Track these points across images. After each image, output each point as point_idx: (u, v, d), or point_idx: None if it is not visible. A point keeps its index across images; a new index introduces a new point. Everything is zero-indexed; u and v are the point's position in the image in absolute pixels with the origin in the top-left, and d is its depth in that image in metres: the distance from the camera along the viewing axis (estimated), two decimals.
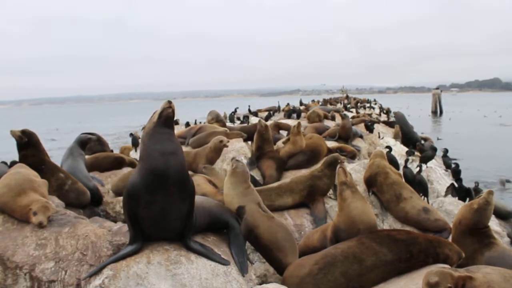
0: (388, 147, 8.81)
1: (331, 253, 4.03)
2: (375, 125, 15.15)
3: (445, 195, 7.47)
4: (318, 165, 7.11)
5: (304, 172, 7.10)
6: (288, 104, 28.66)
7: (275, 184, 6.52)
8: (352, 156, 9.34)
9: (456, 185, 7.41)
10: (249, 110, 26.06)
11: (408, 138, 12.54)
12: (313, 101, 33.23)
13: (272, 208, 6.09)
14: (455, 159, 10.16)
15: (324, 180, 6.40)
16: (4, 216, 4.28)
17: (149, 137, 3.63)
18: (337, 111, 19.44)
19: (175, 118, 4.16)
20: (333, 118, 16.47)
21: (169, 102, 3.62)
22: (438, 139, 24.64)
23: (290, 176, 7.73)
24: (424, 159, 9.23)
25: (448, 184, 8.01)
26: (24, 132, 5.61)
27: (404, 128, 13.01)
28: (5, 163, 6.24)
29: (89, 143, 7.41)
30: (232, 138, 9.48)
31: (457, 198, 7.09)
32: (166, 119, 3.59)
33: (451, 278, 3.13)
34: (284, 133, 12.02)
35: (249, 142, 10.08)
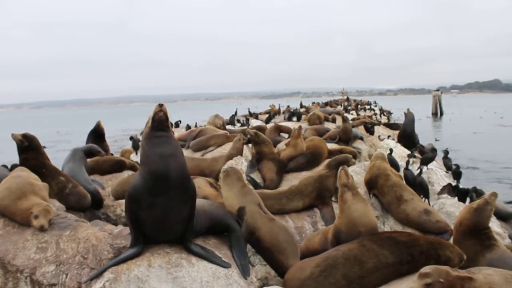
0: (390, 149, 8.81)
1: (332, 255, 4.03)
2: (376, 127, 15.15)
3: (440, 193, 7.45)
4: (320, 167, 7.13)
5: (309, 173, 7.12)
6: (288, 106, 28.68)
7: (285, 188, 6.55)
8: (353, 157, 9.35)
9: (453, 185, 7.40)
10: (249, 112, 26.10)
11: (408, 139, 12.54)
12: (313, 103, 33.28)
13: (283, 212, 6.12)
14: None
15: (331, 179, 6.43)
16: (5, 220, 4.28)
17: (147, 141, 3.66)
18: (338, 113, 19.46)
19: (175, 120, 4.19)
20: (333, 121, 16.49)
21: (160, 105, 3.65)
22: (436, 140, 24.62)
23: (291, 179, 7.74)
24: (425, 161, 9.22)
25: None
26: (25, 136, 5.62)
27: (408, 130, 13.02)
28: (5, 166, 6.25)
29: (96, 155, 7.47)
30: (233, 141, 9.51)
31: (456, 198, 7.08)
32: (159, 122, 3.62)
33: (446, 275, 3.13)
34: (284, 135, 12.03)
35: (250, 145, 10.09)
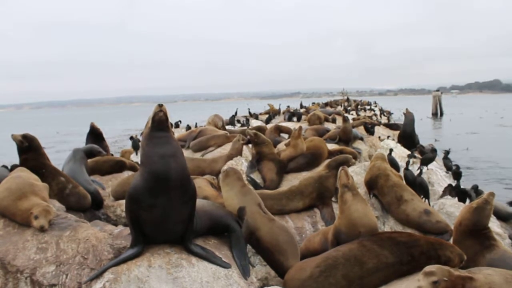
0: (390, 149, 8.80)
1: (333, 255, 4.03)
2: (376, 128, 15.14)
3: (442, 196, 7.45)
4: (320, 167, 7.13)
5: (309, 174, 7.13)
6: (288, 106, 28.68)
7: (285, 188, 6.55)
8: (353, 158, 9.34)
9: (454, 186, 7.39)
10: (249, 113, 26.09)
11: (408, 139, 12.57)
12: (313, 103, 33.27)
13: (283, 212, 6.12)
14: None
15: (331, 180, 6.44)
16: (5, 220, 4.28)
17: (147, 142, 3.66)
18: (338, 113, 19.44)
19: (175, 121, 4.20)
20: (333, 121, 16.48)
21: (160, 105, 3.66)
22: (435, 140, 24.61)
23: (291, 179, 7.74)
24: (425, 161, 9.21)
25: None
26: (25, 137, 5.62)
27: (408, 131, 13.05)
28: (5, 167, 6.25)
29: (97, 155, 7.48)
30: (232, 141, 9.53)
31: (456, 199, 7.07)
32: (159, 122, 3.63)
33: (449, 274, 3.15)
34: (285, 136, 12.03)
35: (250, 145, 10.11)
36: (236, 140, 8.66)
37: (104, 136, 9.58)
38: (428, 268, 3.21)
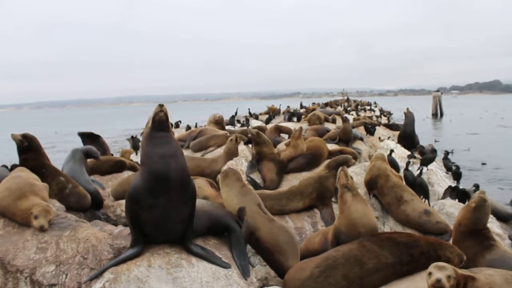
0: (390, 150, 8.81)
1: (332, 255, 4.03)
2: (376, 128, 15.13)
3: (443, 198, 7.45)
4: (320, 168, 7.13)
5: (309, 174, 7.12)
6: (288, 106, 28.68)
7: (285, 189, 6.54)
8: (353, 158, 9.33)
9: (454, 187, 7.39)
10: (249, 113, 26.11)
11: (408, 139, 12.60)
12: (313, 103, 33.28)
13: (283, 212, 6.12)
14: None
15: (331, 180, 6.43)
16: (5, 220, 4.28)
17: (147, 142, 3.67)
18: (338, 114, 19.44)
19: (175, 121, 4.20)
20: (333, 121, 16.49)
21: (160, 105, 3.66)
22: (435, 141, 24.62)
23: (291, 179, 7.74)
24: (425, 162, 9.22)
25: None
26: (25, 136, 5.62)
27: (408, 131, 13.08)
28: (5, 166, 6.26)
29: (94, 159, 7.46)
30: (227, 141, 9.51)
31: (456, 200, 7.07)
32: (159, 123, 3.63)
33: (455, 272, 3.17)
34: (285, 136, 12.02)
35: (250, 145, 10.10)
36: (230, 139, 8.58)
37: (102, 135, 9.56)
38: (439, 263, 3.22)
